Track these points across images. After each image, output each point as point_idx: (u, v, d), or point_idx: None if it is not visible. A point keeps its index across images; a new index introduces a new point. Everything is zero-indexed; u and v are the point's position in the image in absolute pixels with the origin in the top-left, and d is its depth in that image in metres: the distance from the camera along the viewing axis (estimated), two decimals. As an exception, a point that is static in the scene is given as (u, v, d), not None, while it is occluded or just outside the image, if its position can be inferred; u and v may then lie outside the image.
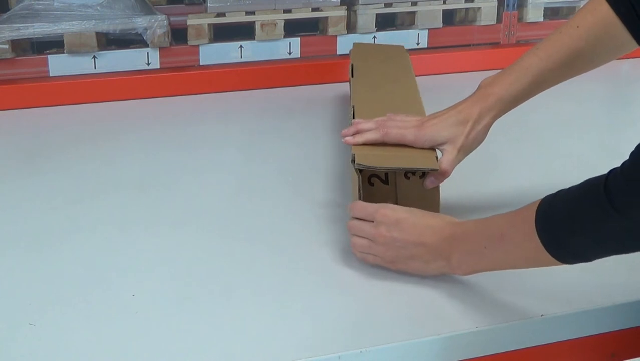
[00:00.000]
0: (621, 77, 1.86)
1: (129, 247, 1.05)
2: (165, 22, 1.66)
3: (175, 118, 1.55)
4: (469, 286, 0.95)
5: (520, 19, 1.92)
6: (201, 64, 1.72)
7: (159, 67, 1.69)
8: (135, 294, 0.93)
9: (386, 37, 1.82)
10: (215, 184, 1.24)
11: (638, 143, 0.78)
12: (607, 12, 1.01)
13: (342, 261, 1.01)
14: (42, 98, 1.59)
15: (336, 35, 1.79)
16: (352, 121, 1.12)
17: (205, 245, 1.05)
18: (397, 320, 0.89)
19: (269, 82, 1.71)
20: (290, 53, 1.77)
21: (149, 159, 1.35)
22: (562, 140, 1.44)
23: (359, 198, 1.01)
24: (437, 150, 1.05)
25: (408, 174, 1.03)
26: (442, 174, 1.02)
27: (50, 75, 1.64)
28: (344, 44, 1.79)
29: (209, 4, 1.69)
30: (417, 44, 1.85)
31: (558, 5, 1.93)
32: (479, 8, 1.88)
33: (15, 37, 1.59)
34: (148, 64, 1.68)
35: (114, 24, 1.64)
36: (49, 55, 1.63)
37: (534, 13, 1.91)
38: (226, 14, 1.71)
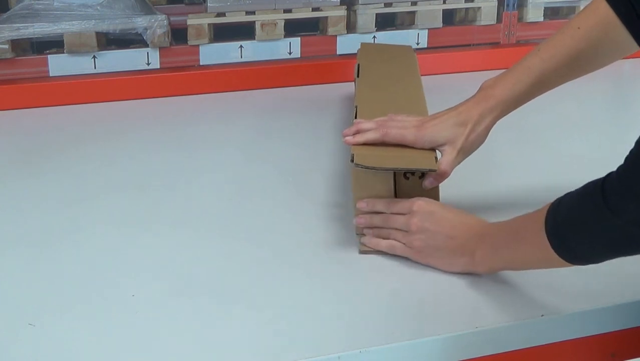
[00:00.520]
0: (621, 77, 1.86)
1: (129, 247, 1.05)
2: (165, 22, 1.66)
3: (175, 118, 1.55)
4: (469, 286, 0.95)
5: (520, 19, 1.92)
6: (201, 64, 1.72)
7: (159, 67, 1.69)
8: (135, 294, 0.93)
9: (386, 37, 1.82)
10: (215, 184, 1.24)
11: (632, 147, 0.79)
12: (607, 13, 1.01)
13: (342, 261, 1.01)
14: (42, 98, 1.59)
15: (336, 35, 1.79)
16: (354, 120, 1.11)
17: (205, 245, 1.05)
18: (397, 319, 0.89)
19: (269, 82, 1.71)
20: (290, 53, 1.77)
21: (149, 159, 1.35)
22: (563, 140, 1.44)
23: (395, 195, 1.03)
24: (437, 150, 1.05)
25: (407, 174, 1.02)
26: (442, 175, 1.03)
27: (50, 75, 1.64)
28: (344, 44, 1.79)
29: (209, 4, 1.69)
30: (417, 44, 1.85)
31: (558, 5, 1.94)
32: (479, 8, 1.88)
33: (15, 37, 1.59)
34: (148, 64, 1.68)
35: (114, 24, 1.64)
36: (49, 56, 1.63)
37: (534, 13, 1.91)
38: (226, 14, 1.72)
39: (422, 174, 1.02)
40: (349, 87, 1.59)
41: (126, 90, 1.64)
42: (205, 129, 1.50)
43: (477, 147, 1.06)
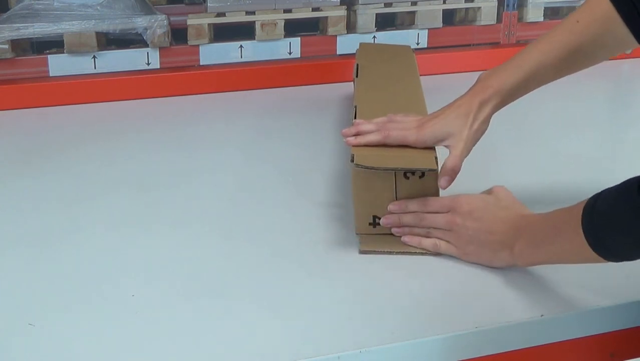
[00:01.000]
0: (621, 77, 1.86)
1: (129, 247, 1.05)
2: (165, 22, 1.66)
3: (175, 118, 1.55)
4: (469, 286, 0.95)
5: (520, 19, 1.92)
6: (201, 64, 1.72)
7: (159, 67, 1.69)
8: (135, 294, 0.93)
9: (386, 37, 1.82)
10: (215, 184, 1.24)
11: None
12: (607, 9, 1.01)
13: (342, 261, 1.01)
14: (42, 98, 1.59)
15: (336, 35, 1.79)
16: (354, 121, 1.12)
17: (205, 245, 1.05)
18: (397, 319, 0.89)
19: (269, 82, 1.71)
20: (290, 53, 1.77)
21: (149, 159, 1.35)
22: (562, 139, 1.44)
23: (395, 195, 1.03)
24: (443, 147, 1.05)
25: (407, 174, 1.03)
26: (454, 170, 1.02)
27: (50, 75, 1.64)
28: (344, 44, 1.79)
29: (209, 4, 1.69)
30: (417, 44, 1.85)
31: (558, 5, 1.94)
32: (479, 8, 1.88)
33: (15, 37, 1.59)
34: (148, 64, 1.68)
35: (114, 24, 1.64)
36: (49, 56, 1.63)
37: (534, 13, 1.91)
38: (226, 14, 1.71)
39: (422, 174, 1.02)
40: (348, 87, 1.59)
41: (126, 90, 1.64)
42: (205, 129, 1.50)
43: (480, 136, 1.06)
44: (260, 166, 1.32)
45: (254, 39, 1.74)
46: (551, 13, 1.94)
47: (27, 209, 1.16)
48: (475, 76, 1.09)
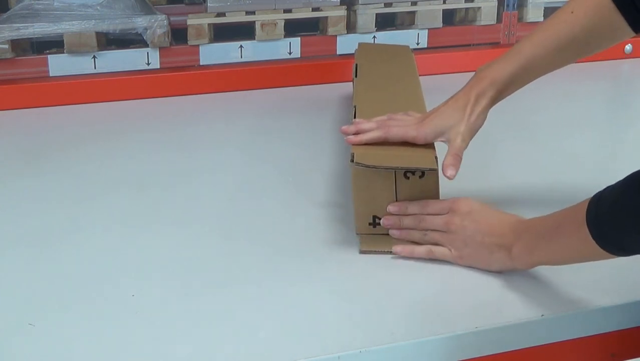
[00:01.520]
0: (621, 77, 1.86)
1: (129, 247, 1.05)
2: (165, 22, 1.66)
3: (175, 118, 1.56)
4: (469, 286, 0.95)
5: (520, 19, 1.92)
6: (201, 64, 1.72)
7: (159, 67, 1.69)
8: (135, 294, 0.93)
9: (386, 37, 1.82)
10: (215, 184, 1.24)
11: None
12: None
13: (342, 261, 1.01)
14: (42, 98, 1.59)
15: (336, 35, 1.79)
16: (353, 120, 1.12)
17: (205, 245, 1.05)
18: (397, 319, 0.89)
19: (269, 82, 1.71)
20: (290, 53, 1.77)
21: (149, 159, 1.35)
22: (563, 140, 1.44)
23: (395, 199, 1.03)
24: (443, 142, 1.05)
25: (408, 173, 1.02)
26: (456, 159, 1.02)
27: (50, 75, 1.64)
28: (344, 44, 1.79)
29: (209, 4, 1.70)
30: (417, 44, 1.85)
31: (558, 5, 1.93)
32: (479, 8, 1.88)
33: (15, 37, 1.59)
34: (148, 64, 1.68)
35: (114, 24, 1.64)
36: (49, 56, 1.64)
37: (534, 13, 1.91)
38: (226, 14, 1.72)
39: (423, 174, 1.02)
40: (348, 87, 1.59)
41: (126, 90, 1.64)
42: (205, 129, 1.50)
43: (479, 127, 1.06)
44: (260, 166, 1.32)
45: (254, 39, 1.74)
46: (551, 13, 1.93)
47: (27, 209, 1.16)
48: (475, 76, 1.10)
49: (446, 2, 1.86)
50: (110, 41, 1.68)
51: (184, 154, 1.37)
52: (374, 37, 1.82)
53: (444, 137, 1.05)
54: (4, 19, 1.59)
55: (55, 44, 1.64)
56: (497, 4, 1.89)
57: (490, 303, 0.92)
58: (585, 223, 0.83)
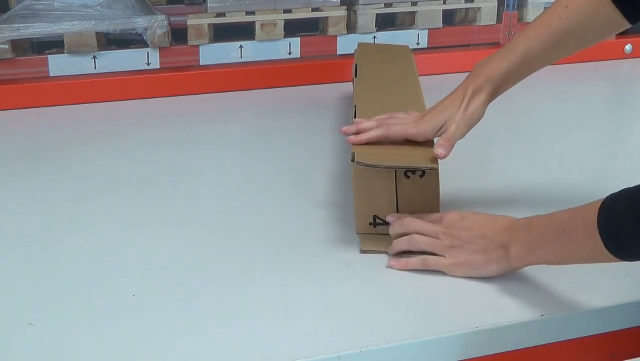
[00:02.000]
0: (621, 77, 1.86)
1: (129, 247, 1.05)
2: (165, 22, 1.66)
3: (175, 118, 1.56)
4: (469, 286, 0.95)
5: (520, 19, 1.92)
6: (201, 64, 1.72)
7: (159, 67, 1.69)
8: (135, 294, 0.93)
9: (386, 37, 1.82)
10: (215, 184, 1.25)
11: None
12: None
13: (342, 261, 1.01)
14: (42, 98, 1.59)
15: (336, 35, 1.79)
16: (353, 120, 1.12)
17: (205, 245, 1.05)
18: (397, 319, 0.89)
19: (269, 82, 1.71)
20: (290, 53, 1.77)
21: (149, 159, 1.35)
22: (563, 140, 1.44)
23: (395, 199, 1.03)
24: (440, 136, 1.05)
25: (408, 173, 1.02)
26: (446, 141, 1.02)
27: (50, 75, 1.64)
28: (344, 44, 1.79)
29: (209, 4, 1.70)
30: (417, 44, 1.85)
31: (558, 5, 1.93)
32: (479, 8, 1.88)
33: (15, 37, 1.59)
34: (148, 64, 1.68)
35: (114, 24, 1.64)
36: (49, 55, 1.64)
37: (534, 13, 1.91)
38: (226, 14, 1.72)
39: (423, 173, 1.02)
40: (348, 87, 1.59)
41: (126, 90, 1.64)
42: (205, 129, 1.50)
43: (476, 121, 1.06)
44: (260, 165, 1.32)
45: (254, 39, 1.74)
46: (551, 13, 1.93)
47: (27, 209, 1.16)
48: (475, 76, 1.09)
49: (446, 2, 1.86)
50: (110, 41, 1.68)
51: (184, 154, 1.37)
52: (374, 37, 1.82)
53: (441, 131, 1.05)
54: (4, 19, 1.59)
55: (55, 44, 1.64)
56: (497, 4, 1.89)
57: (490, 303, 0.92)
58: (597, 228, 0.82)
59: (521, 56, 1.06)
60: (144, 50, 1.67)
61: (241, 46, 1.74)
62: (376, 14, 1.81)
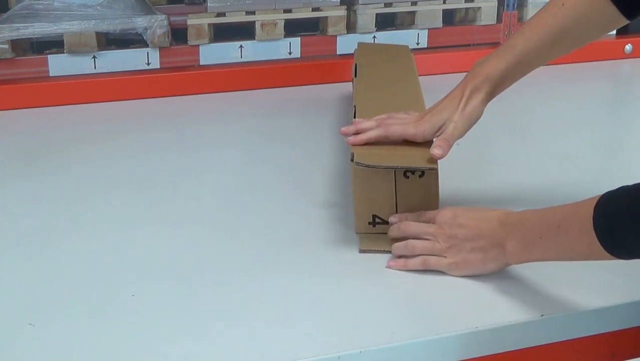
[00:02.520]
0: (621, 77, 1.86)
1: (129, 247, 1.05)
2: (165, 22, 1.66)
3: (175, 118, 1.56)
4: (469, 286, 0.95)
5: (520, 19, 1.92)
6: (201, 64, 1.72)
7: (159, 67, 1.69)
8: (135, 294, 0.93)
9: (386, 37, 1.82)
10: (215, 184, 1.25)
11: None
12: None
13: (342, 261, 1.01)
14: (42, 98, 1.59)
15: (336, 35, 1.79)
16: (353, 120, 1.12)
17: (205, 245, 1.05)
18: (397, 319, 0.89)
19: (269, 82, 1.71)
20: (290, 53, 1.77)
21: (149, 159, 1.35)
22: (562, 140, 1.44)
23: (395, 199, 1.03)
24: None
25: (408, 173, 1.03)
26: (444, 141, 1.02)
27: (50, 75, 1.64)
28: (344, 44, 1.79)
29: (209, 4, 1.70)
30: (417, 44, 1.85)
31: (558, 5, 1.93)
32: (479, 8, 1.88)
33: (15, 37, 1.59)
34: (148, 64, 1.68)
35: (114, 24, 1.64)
36: (49, 55, 1.64)
37: (533, 13, 1.89)
38: (226, 14, 1.72)
39: (422, 173, 1.02)
40: (348, 87, 1.59)
41: (126, 90, 1.64)
42: (205, 129, 1.50)
43: (475, 121, 1.06)
44: (260, 165, 1.32)
45: (254, 39, 1.74)
46: (551, 13, 1.93)
47: (27, 209, 1.16)
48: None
49: (446, 2, 1.86)
50: (110, 41, 1.68)
51: (184, 154, 1.37)
52: (374, 37, 1.82)
53: (441, 131, 1.05)
54: (4, 19, 1.59)
55: (55, 44, 1.64)
56: (497, 4, 1.89)
57: (490, 302, 0.92)
58: (592, 226, 0.82)
59: (519, 55, 1.06)
60: (144, 50, 1.67)
61: (241, 46, 1.74)
62: (376, 14, 1.81)
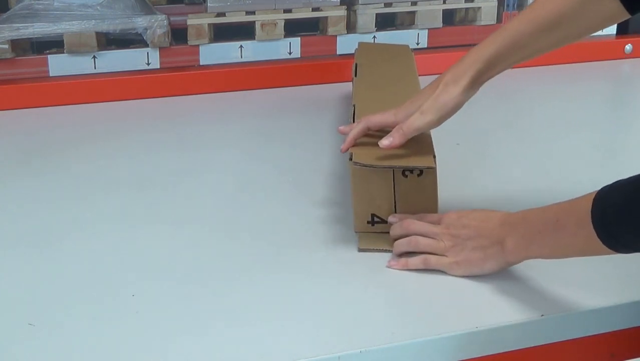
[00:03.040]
0: (621, 77, 1.86)
1: (129, 247, 1.05)
2: (165, 22, 1.66)
3: (175, 118, 1.56)
4: (469, 286, 0.95)
5: (520, 19, 1.92)
6: (201, 64, 1.72)
7: (159, 67, 1.69)
8: (135, 294, 0.93)
9: (386, 37, 1.82)
10: (215, 184, 1.25)
11: None
12: None
13: (342, 260, 1.01)
14: (42, 98, 1.59)
15: (336, 35, 1.79)
16: (351, 121, 1.12)
17: (205, 245, 1.05)
18: (397, 319, 0.89)
19: (269, 82, 1.71)
20: (290, 53, 1.77)
21: (149, 159, 1.35)
22: (562, 139, 1.44)
23: (394, 198, 1.03)
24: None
25: (406, 172, 1.03)
26: (397, 131, 1.02)
27: (50, 75, 1.64)
28: (344, 44, 1.79)
29: (209, 4, 1.70)
30: (417, 44, 1.85)
31: (558, 5, 1.93)
32: (479, 8, 1.88)
33: (15, 37, 1.59)
34: (148, 64, 1.68)
35: (114, 24, 1.64)
36: (49, 56, 1.64)
37: (534, 13, 1.91)
38: (226, 14, 1.72)
39: (421, 172, 1.02)
40: (348, 87, 1.59)
41: (126, 90, 1.64)
42: (205, 129, 1.50)
43: (452, 108, 1.04)
44: (260, 165, 1.32)
45: (254, 39, 1.74)
46: (551, 13, 1.93)
47: (27, 209, 1.16)
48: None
49: (446, 2, 1.86)
50: (110, 41, 1.68)
51: (184, 154, 1.37)
52: (374, 37, 1.82)
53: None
54: (4, 19, 1.59)
55: (55, 44, 1.64)
56: (497, 4, 1.89)
57: (490, 302, 0.92)
58: (590, 220, 0.81)
59: (511, 38, 1.03)
60: (144, 50, 1.67)
61: (241, 46, 1.74)
62: (376, 14, 1.81)
